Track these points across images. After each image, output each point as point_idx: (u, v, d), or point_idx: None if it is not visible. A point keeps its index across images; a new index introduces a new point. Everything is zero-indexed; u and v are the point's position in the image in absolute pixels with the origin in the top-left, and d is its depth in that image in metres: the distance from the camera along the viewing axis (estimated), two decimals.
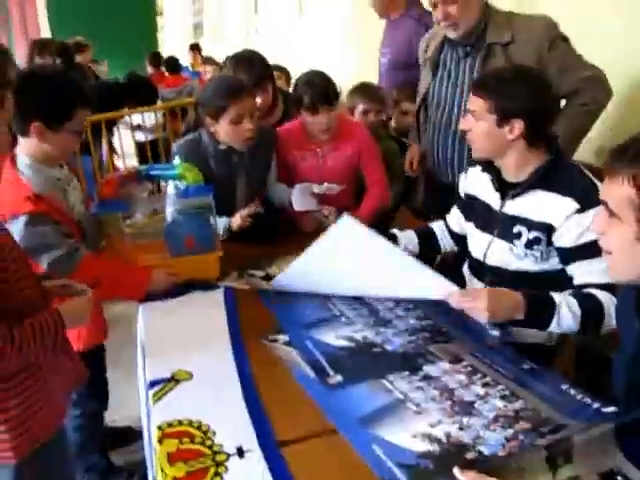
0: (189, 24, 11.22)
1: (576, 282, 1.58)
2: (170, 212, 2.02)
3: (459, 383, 1.33)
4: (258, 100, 2.32)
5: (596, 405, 1.20)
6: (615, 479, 1.02)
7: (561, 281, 1.61)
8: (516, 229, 1.65)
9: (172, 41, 12.38)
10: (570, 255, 1.57)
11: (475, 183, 1.83)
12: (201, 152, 2.11)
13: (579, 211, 1.52)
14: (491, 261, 1.74)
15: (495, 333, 1.54)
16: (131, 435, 2.40)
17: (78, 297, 1.46)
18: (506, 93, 1.58)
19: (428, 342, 1.51)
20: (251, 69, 2.40)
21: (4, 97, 1.26)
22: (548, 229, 1.59)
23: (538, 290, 1.56)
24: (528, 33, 2.13)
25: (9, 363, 1.25)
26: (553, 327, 1.53)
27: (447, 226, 2.01)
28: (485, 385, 1.32)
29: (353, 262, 1.71)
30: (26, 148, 1.66)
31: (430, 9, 2.31)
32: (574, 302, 1.52)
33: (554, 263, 1.63)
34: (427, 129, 2.48)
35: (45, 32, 10.29)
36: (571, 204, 1.54)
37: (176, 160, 2.13)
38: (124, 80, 5.07)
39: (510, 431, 1.16)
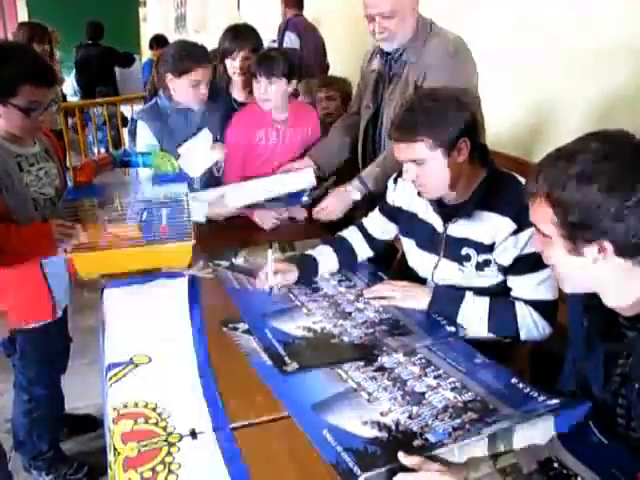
0: (172, 16, 11.14)
1: (512, 294, 1.61)
2: (143, 198, 2.03)
3: (412, 374, 1.37)
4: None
5: (541, 398, 1.25)
6: (552, 466, 1.07)
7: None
8: (464, 251, 1.63)
9: (155, 32, 12.25)
10: (507, 270, 1.60)
11: (408, 198, 1.78)
12: (161, 113, 2.27)
13: (516, 232, 1.53)
14: (438, 279, 1.73)
15: (451, 329, 1.58)
16: (91, 423, 2.40)
17: None
18: (440, 120, 1.51)
19: (385, 335, 1.54)
20: (237, 39, 2.43)
21: None
22: (492, 248, 1.60)
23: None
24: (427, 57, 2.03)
25: None
26: (462, 322, 1.61)
27: (365, 232, 1.95)
28: (437, 377, 1.36)
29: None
30: None
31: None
32: (484, 307, 1.59)
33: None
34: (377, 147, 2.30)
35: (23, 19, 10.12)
36: (509, 224, 1.54)
37: (140, 126, 2.25)
38: None
39: (458, 421, 1.20)
